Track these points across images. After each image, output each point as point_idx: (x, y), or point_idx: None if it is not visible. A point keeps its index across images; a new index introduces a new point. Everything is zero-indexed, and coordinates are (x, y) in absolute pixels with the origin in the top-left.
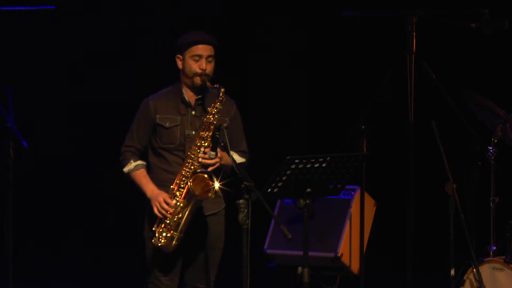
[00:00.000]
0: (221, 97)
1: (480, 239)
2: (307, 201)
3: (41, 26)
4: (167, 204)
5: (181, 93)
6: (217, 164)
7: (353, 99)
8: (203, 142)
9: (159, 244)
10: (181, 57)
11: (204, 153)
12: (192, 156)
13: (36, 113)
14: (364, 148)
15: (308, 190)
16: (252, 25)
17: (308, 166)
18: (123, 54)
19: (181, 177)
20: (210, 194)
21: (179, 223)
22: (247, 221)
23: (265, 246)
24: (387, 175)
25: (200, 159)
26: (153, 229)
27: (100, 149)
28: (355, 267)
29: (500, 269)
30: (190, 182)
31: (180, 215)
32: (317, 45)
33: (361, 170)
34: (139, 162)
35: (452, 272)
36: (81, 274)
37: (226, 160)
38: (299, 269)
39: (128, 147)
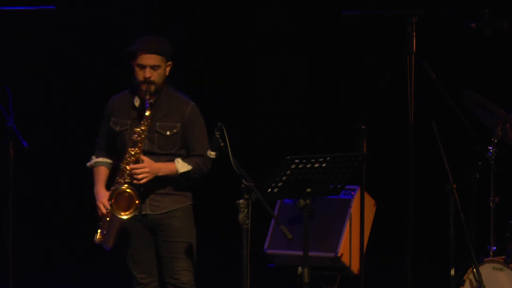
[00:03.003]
0: (145, 121)
1: (480, 239)
2: (307, 201)
3: (41, 26)
4: (104, 206)
5: (134, 97)
6: (145, 179)
7: (353, 99)
8: (132, 158)
9: (99, 242)
10: (132, 62)
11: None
12: (123, 169)
13: (36, 113)
14: (364, 148)
15: (308, 190)
16: (252, 25)
17: (308, 166)
18: (125, 54)
19: (116, 185)
20: (131, 212)
21: (111, 228)
22: (247, 221)
23: (265, 246)
24: (387, 175)
25: (127, 174)
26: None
27: None
28: (355, 267)
29: (500, 269)
30: (111, 202)
31: (110, 223)
32: (317, 45)
33: (361, 170)
34: (100, 159)
35: (452, 272)
36: (81, 274)
37: (165, 170)
38: (299, 269)
39: (97, 144)
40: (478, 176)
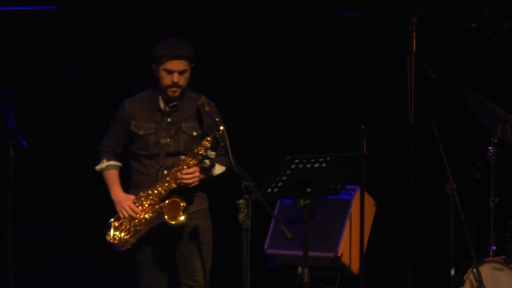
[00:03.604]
0: (219, 133)
1: (480, 239)
2: (307, 201)
3: (41, 26)
4: (133, 211)
5: (157, 100)
6: (196, 183)
7: (353, 99)
8: (185, 167)
9: (113, 241)
10: (155, 66)
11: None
12: (171, 174)
13: (36, 113)
14: (364, 148)
15: (308, 190)
16: (252, 25)
17: (308, 166)
18: (125, 54)
19: (154, 191)
20: (177, 221)
21: (137, 232)
22: (247, 221)
23: (265, 246)
24: (387, 175)
25: (178, 180)
26: (110, 221)
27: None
28: (355, 267)
29: (500, 269)
30: (164, 209)
31: (142, 227)
32: (317, 45)
33: (361, 170)
34: (112, 162)
35: (452, 272)
36: (81, 274)
37: (202, 173)
38: (299, 269)
39: (104, 146)
40: (478, 176)
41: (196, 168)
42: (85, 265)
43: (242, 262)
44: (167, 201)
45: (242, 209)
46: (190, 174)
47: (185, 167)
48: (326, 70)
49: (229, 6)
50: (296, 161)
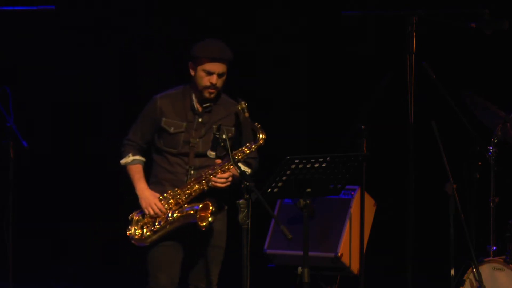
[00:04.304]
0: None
1: (480, 239)
2: (307, 201)
3: (41, 26)
4: (160, 210)
5: (191, 99)
6: (227, 186)
7: (353, 99)
8: (219, 171)
9: (134, 237)
10: (193, 65)
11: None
12: (205, 177)
13: (36, 113)
14: (364, 148)
15: (308, 190)
16: (252, 25)
17: (308, 166)
18: (125, 54)
19: (184, 191)
20: (207, 223)
21: (161, 230)
22: (247, 221)
23: (265, 246)
24: (387, 175)
25: (210, 183)
26: (131, 217)
27: (99, 148)
28: (355, 267)
29: (500, 269)
30: (198, 212)
31: (167, 227)
32: (317, 45)
33: (361, 170)
34: (138, 157)
35: (452, 272)
36: (81, 274)
37: (235, 179)
38: (299, 269)
39: (130, 140)
40: (478, 176)
41: (230, 173)
42: (85, 265)
43: (242, 262)
44: (200, 204)
45: (242, 209)
46: (224, 179)
47: (219, 171)
48: (326, 70)
49: (229, 6)
50: (296, 161)
